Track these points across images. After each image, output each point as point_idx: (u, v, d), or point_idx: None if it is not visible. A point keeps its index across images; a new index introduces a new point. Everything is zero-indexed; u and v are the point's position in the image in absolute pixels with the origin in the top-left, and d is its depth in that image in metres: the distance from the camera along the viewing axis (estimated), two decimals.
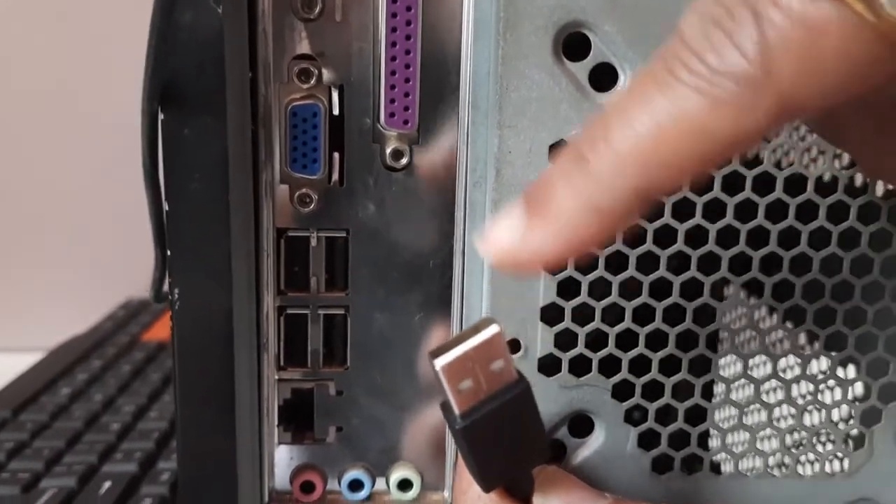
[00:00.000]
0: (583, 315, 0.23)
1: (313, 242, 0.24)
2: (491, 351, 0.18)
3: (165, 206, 0.21)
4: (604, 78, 0.22)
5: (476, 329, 0.18)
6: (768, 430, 0.25)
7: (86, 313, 0.56)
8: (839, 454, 0.25)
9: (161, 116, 0.20)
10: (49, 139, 0.61)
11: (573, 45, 0.22)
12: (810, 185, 0.23)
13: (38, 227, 0.62)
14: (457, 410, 0.18)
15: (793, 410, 0.25)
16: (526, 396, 0.19)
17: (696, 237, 0.23)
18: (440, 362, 0.18)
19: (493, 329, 0.18)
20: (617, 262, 0.23)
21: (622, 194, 0.16)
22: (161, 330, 0.53)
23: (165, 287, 0.23)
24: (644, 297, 0.23)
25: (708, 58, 0.15)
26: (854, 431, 0.25)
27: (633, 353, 0.23)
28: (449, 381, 0.18)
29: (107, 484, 0.33)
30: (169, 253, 0.21)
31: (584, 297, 0.23)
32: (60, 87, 0.60)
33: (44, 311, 0.61)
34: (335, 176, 0.23)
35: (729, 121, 0.15)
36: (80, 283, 0.62)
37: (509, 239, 0.17)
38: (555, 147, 0.22)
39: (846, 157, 0.23)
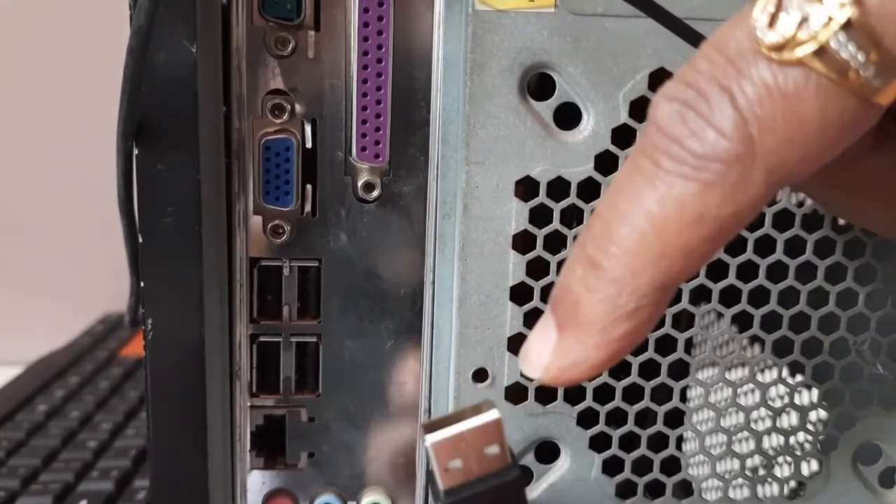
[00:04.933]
0: None
1: (286, 272, 0.24)
2: (487, 435, 0.18)
3: (140, 238, 0.22)
4: (568, 116, 0.23)
5: (476, 410, 0.18)
6: (728, 456, 0.25)
7: (64, 328, 0.56)
8: (797, 479, 0.26)
9: (135, 152, 0.21)
10: (26, 152, 0.61)
11: (538, 85, 0.22)
12: (768, 220, 0.24)
13: (15, 240, 0.62)
14: (441, 487, 0.18)
15: (752, 436, 0.25)
16: (516, 485, 0.19)
17: None
18: (431, 439, 0.18)
19: (493, 414, 0.18)
20: None
21: (643, 291, 0.16)
22: (139, 346, 0.53)
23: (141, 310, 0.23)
24: None
25: (688, 143, 0.15)
26: (812, 457, 0.26)
27: (597, 381, 0.24)
28: (438, 459, 0.18)
29: (83, 503, 0.33)
30: (142, 284, 0.22)
31: None
32: (38, 100, 0.60)
33: (22, 324, 0.61)
34: (308, 207, 0.24)
35: (722, 200, 0.15)
36: (59, 298, 0.62)
37: (549, 355, 0.17)
38: (520, 183, 0.23)
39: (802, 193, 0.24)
